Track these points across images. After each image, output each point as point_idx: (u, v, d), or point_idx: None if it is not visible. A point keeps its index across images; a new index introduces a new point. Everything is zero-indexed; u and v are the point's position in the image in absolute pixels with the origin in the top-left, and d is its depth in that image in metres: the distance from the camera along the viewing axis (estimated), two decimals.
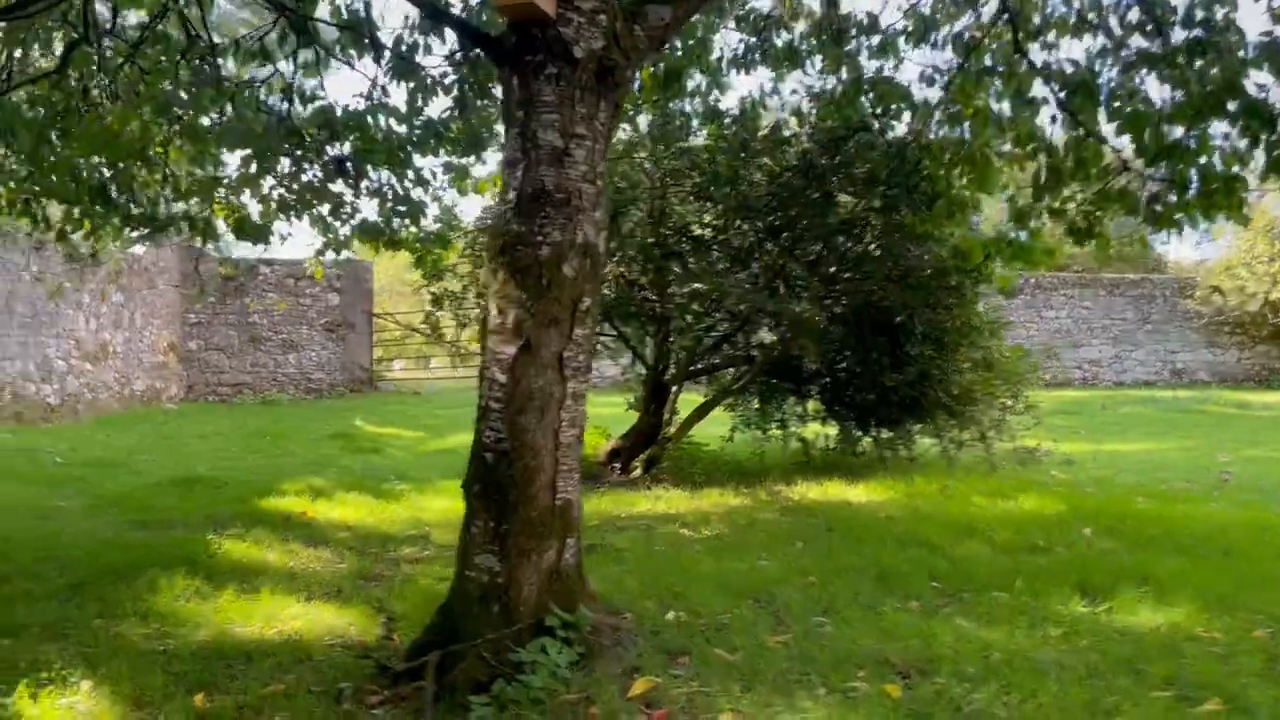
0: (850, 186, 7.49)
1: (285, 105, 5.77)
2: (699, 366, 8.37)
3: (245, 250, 15.72)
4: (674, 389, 8.04)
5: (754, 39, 6.70)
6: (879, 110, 6.97)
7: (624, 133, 7.64)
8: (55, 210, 6.63)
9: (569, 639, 3.28)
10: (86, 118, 5.25)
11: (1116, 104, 5.49)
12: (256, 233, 6.56)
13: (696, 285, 6.96)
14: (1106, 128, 5.55)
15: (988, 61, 6.14)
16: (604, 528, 5.92)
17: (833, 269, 7.87)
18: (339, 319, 18.69)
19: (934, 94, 6.62)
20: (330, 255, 7.07)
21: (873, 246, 7.53)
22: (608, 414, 9.49)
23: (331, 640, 3.88)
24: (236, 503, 6.88)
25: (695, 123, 7.64)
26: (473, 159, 6.73)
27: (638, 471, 8.07)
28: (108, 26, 5.66)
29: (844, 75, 6.67)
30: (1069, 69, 5.59)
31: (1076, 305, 20.90)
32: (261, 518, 6.33)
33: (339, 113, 5.83)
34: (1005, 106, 6.26)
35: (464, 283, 9.05)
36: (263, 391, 18.01)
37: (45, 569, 4.83)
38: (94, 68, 5.36)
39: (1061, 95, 5.63)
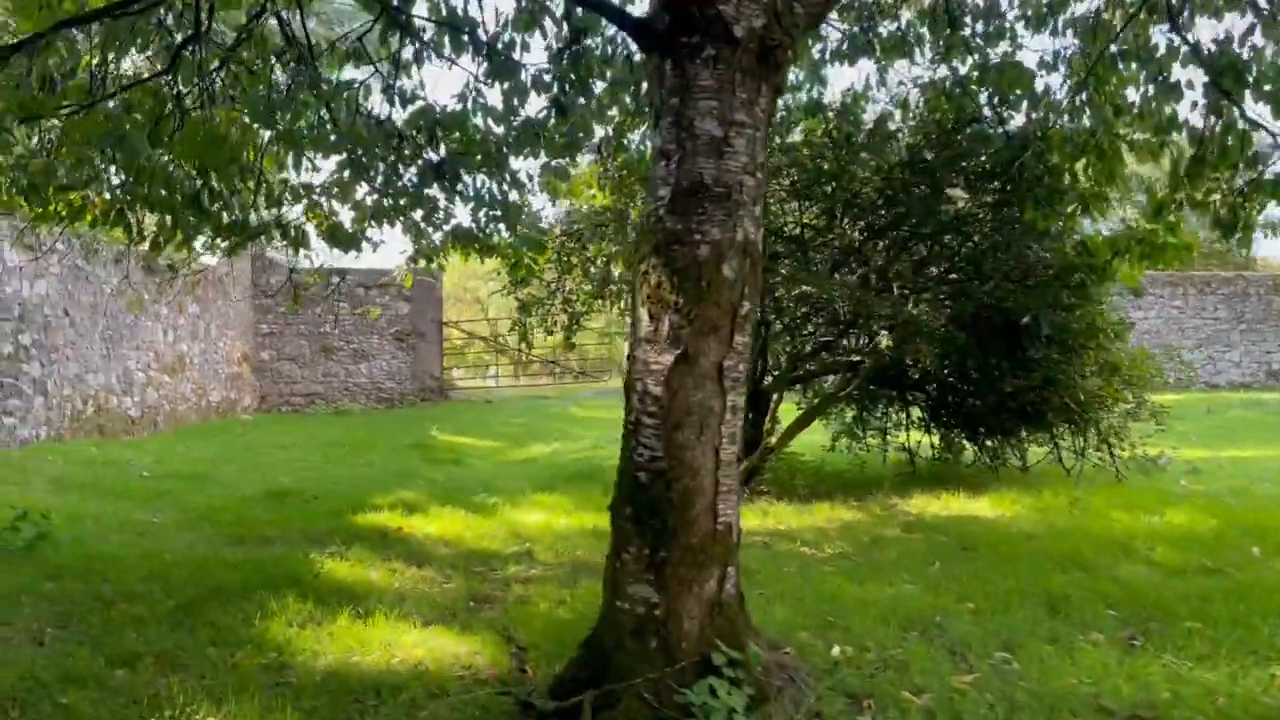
0: (962, 181, 7.08)
1: (385, 107, 5.56)
2: (799, 373, 8.00)
3: (311, 260, 15.59)
4: (774, 397, 7.67)
5: (858, 29, 6.38)
6: (996, 100, 6.58)
7: None
8: (147, 220, 6.49)
9: (737, 679, 2.96)
10: (189, 122, 5.07)
11: (1268, 86, 5.09)
12: (349, 240, 6.38)
13: (804, 288, 6.57)
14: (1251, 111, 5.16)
15: (1115, 46, 5.76)
16: None
17: (943, 268, 7.45)
18: (409, 328, 18.59)
19: (1054, 81, 6.26)
20: (422, 263, 6.87)
21: (986, 245, 7.09)
22: None
23: (460, 672, 3.65)
24: (330, 517, 6.69)
25: (794, 118, 7.29)
26: (567, 160, 6.50)
27: None
28: (204, 29, 5.49)
29: (957, 63, 6.31)
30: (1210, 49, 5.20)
31: (1166, 305, 20.01)
32: (358, 534, 6.15)
33: (437, 114, 5.62)
34: (1134, 92, 5.88)
35: (550, 288, 8.78)
36: (334, 401, 17.99)
37: (151, 590, 4.66)
38: (193, 72, 5.18)
39: (1207, 78, 5.23)
